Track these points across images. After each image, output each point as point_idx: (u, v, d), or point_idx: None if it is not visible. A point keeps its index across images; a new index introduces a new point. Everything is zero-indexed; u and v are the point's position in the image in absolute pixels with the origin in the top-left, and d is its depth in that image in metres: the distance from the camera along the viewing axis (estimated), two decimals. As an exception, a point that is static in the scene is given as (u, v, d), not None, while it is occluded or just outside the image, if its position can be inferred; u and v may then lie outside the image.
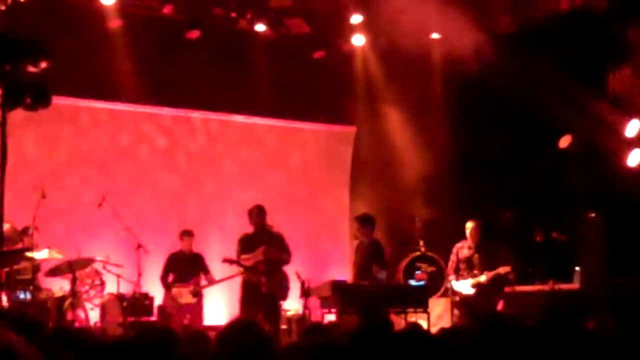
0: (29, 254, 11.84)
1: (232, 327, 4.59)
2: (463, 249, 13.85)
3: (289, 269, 12.85)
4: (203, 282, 13.98)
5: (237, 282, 13.05)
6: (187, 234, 14.16)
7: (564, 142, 15.07)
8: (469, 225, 13.81)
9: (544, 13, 14.86)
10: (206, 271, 14.03)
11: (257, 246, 12.72)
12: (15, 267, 11.92)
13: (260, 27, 15.63)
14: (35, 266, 12.23)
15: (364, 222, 13.32)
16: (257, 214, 12.92)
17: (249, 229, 13.03)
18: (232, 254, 12.91)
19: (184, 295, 13.64)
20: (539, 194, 15.26)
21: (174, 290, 13.65)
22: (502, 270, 13.34)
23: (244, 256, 12.77)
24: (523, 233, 15.02)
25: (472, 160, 15.90)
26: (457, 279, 13.65)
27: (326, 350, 4.41)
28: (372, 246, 13.15)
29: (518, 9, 15.29)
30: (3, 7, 11.30)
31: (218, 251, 13.72)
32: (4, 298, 10.68)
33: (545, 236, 14.60)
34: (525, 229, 15.06)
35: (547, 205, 15.02)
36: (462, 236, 14.08)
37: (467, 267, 13.65)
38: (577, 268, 14.09)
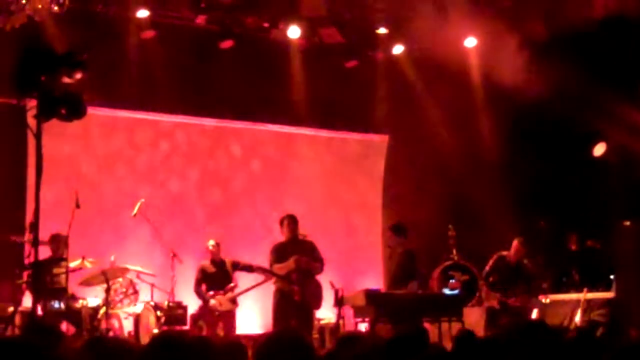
0: (63, 263, 11.91)
1: (275, 337, 4.54)
2: (505, 260, 13.54)
3: (322, 278, 12.81)
4: (237, 289, 13.86)
5: (270, 290, 13.01)
6: (212, 244, 14.04)
7: (599, 149, 15.00)
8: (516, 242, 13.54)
9: (578, 20, 14.78)
10: (249, 268, 13.87)
11: (290, 255, 12.66)
12: (50, 276, 12.02)
13: (293, 37, 15.66)
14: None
15: (397, 231, 13.28)
16: (289, 223, 12.86)
17: (282, 239, 13.00)
18: (267, 263, 12.88)
19: (223, 303, 13.58)
20: (573, 202, 15.17)
21: (216, 297, 13.57)
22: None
23: (276, 265, 12.75)
24: (558, 241, 14.95)
25: (506, 168, 15.84)
26: (491, 288, 13.44)
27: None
28: (405, 255, 13.10)
29: (552, 16, 15.21)
30: (39, 18, 11.39)
31: (252, 261, 13.67)
32: (39, 307, 10.76)
33: (580, 244, 14.52)
34: (560, 238, 14.99)
35: (582, 213, 14.93)
36: (496, 245, 14.00)
37: (505, 280, 13.40)
38: (612, 277, 14.00)
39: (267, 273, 12.83)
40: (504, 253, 13.63)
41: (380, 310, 11.95)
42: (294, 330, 4.75)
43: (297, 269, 12.56)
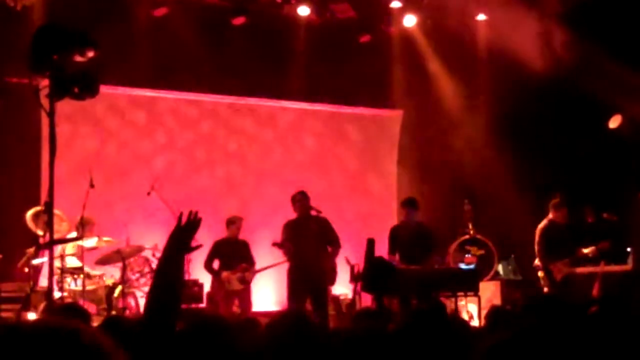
0: (79, 242, 11.94)
1: (281, 319, 4.58)
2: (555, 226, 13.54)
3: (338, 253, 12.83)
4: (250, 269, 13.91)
5: (285, 267, 13.04)
6: (232, 221, 14.06)
7: (614, 122, 14.91)
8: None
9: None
10: (250, 260, 13.94)
11: (303, 232, 12.66)
12: (66, 255, 12.06)
13: (305, 12, 15.60)
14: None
15: (412, 205, 13.21)
16: (300, 199, 12.83)
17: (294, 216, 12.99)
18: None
19: (232, 282, 13.61)
20: (589, 175, 15.11)
21: (224, 275, 13.61)
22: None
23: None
24: (574, 214, 14.87)
25: (521, 142, 15.77)
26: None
27: (378, 335, 4.39)
28: (423, 228, 13.11)
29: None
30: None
31: (268, 238, 13.67)
32: (56, 287, 10.79)
33: (596, 217, 14.44)
34: (575, 210, 14.92)
35: (598, 185, 14.87)
36: (512, 217, 13.99)
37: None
38: (628, 249, 13.94)
39: (284, 248, 12.83)
40: (547, 222, 13.54)
41: (397, 286, 11.91)
42: (300, 312, 4.79)
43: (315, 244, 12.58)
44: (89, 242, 12.29)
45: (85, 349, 2.16)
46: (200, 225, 4.52)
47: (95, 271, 12.77)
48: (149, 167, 15.26)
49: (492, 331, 5.43)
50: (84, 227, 12.07)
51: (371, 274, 11.45)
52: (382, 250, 16.20)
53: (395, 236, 13.08)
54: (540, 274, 13.50)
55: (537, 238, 13.44)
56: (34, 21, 11.64)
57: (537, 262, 13.53)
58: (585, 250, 13.35)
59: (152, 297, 4.44)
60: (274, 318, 4.66)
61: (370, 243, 11.53)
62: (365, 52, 16.57)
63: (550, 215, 13.51)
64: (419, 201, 13.37)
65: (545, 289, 13.26)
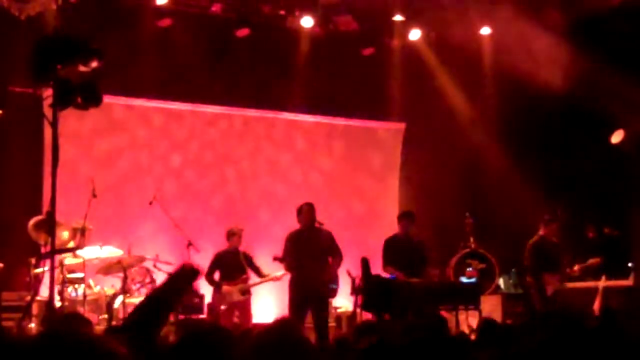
0: (79, 252, 11.93)
1: (269, 329, 4.62)
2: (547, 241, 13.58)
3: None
4: (251, 280, 13.90)
5: (286, 279, 13.01)
6: (233, 233, 14.04)
7: (617, 137, 14.91)
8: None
9: (596, 7, 14.70)
10: (256, 269, 13.94)
11: (305, 244, 12.63)
12: (67, 265, 12.06)
13: (308, 24, 15.62)
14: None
15: (411, 218, 13.25)
16: (308, 210, 12.76)
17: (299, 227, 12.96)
18: (281, 251, 12.85)
19: (233, 294, 13.61)
20: (590, 190, 15.11)
21: (225, 287, 13.62)
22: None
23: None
24: (575, 229, 14.87)
25: (523, 156, 15.78)
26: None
27: (379, 349, 4.39)
28: (422, 243, 13.13)
29: (569, 3, 15.15)
30: (54, 6, 11.39)
31: (270, 249, 13.65)
32: (57, 296, 10.78)
33: (598, 232, 14.43)
34: (577, 225, 14.92)
35: (599, 200, 14.86)
36: (513, 231, 13.98)
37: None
38: (630, 264, 13.93)
39: (285, 262, 12.80)
40: (538, 237, 13.55)
41: (397, 302, 11.90)
42: (289, 322, 4.81)
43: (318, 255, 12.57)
44: (91, 252, 12.27)
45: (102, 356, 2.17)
46: (198, 278, 4.71)
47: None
48: (151, 177, 15.26)
49: (484, 344, 5.42)
50: (82, 235, 12.09)
51: (370, 294, 11.47)
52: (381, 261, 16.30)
53: (390, 248, 13.07)
54: (532, 290, 13.49)
55: (527, 253, 13.43)
56: (38, 31, 11.63)
57: (528, 278, 13.54)
58: (574, 268, 13.35)
59: (139, 307, 4.54)
60: (264, 328, 4.68)
61: (365, 263, 11.56)
62: (367, 65, 16.59)
63: (541, 232, 13.49)
64: (418, 214, 13.39)
65: (537, 305, 13.24)
